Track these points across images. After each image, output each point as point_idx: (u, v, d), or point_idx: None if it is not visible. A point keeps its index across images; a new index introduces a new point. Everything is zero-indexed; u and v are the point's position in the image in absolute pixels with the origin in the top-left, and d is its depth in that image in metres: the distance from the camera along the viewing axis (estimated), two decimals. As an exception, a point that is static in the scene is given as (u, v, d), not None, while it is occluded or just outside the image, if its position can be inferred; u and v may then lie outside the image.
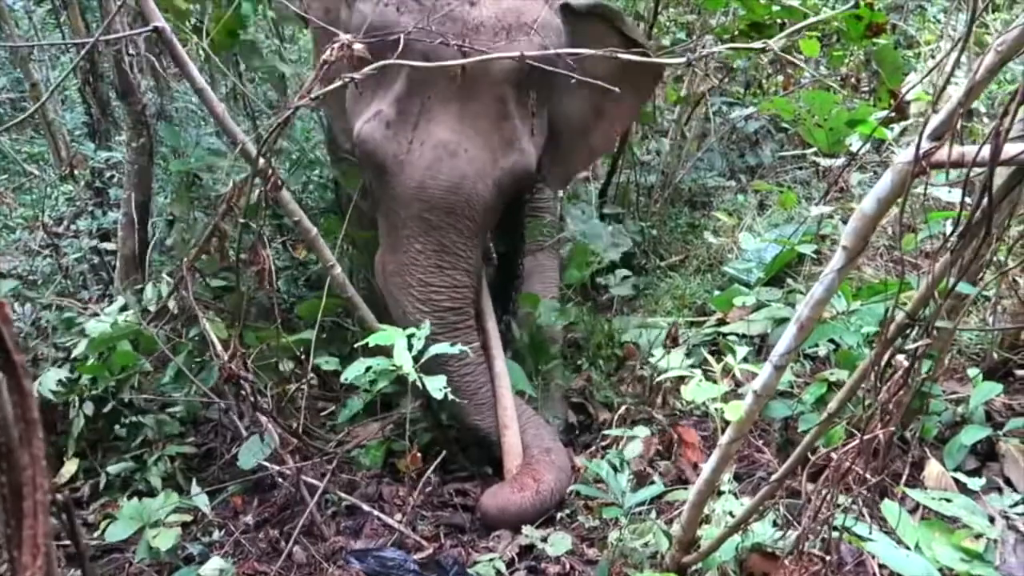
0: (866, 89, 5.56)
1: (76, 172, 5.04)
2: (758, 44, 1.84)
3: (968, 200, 0.98)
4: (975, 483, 1.93)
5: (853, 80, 5.25)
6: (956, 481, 2.10)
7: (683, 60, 1.96)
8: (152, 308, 2.63)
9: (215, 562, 2.08)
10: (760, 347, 3.04)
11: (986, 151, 0.88)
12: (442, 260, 2.50)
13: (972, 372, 2.49)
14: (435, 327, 2.47)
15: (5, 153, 5.56)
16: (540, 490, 2.47)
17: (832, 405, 1.27)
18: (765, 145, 5.65)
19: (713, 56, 4.48)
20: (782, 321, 2.90)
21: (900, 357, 1.13)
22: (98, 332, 2.51)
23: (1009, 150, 1.01)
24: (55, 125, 4.97)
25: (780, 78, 5.88)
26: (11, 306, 3.15)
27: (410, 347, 2.28)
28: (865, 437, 1.17)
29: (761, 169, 5.60)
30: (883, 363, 1.13)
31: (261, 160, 2.21)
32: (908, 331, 1.13)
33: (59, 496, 0.63)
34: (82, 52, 3.09)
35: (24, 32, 5.88)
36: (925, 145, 0.98)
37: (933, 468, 2.24)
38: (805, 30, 3.62)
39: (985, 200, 0.90)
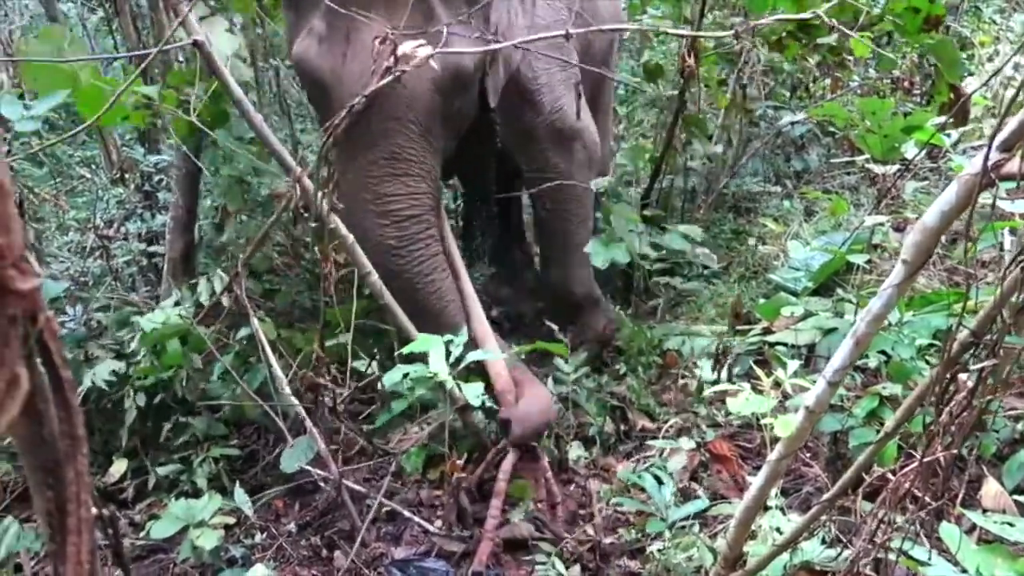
0: (918, 92, 5.42)
1: (126, 176, 5.16)
2: (807, 14, 1.77)
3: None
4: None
5: (906, 83, 5.11)
6: (1016, 502, 2.02)
7: (730, 33, 1.90)
8: (205, 302, 2.66)
9: (259, 569, 2.09)
10: (808, 357, 2.97)
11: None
12: (394, 167, 2.48)
13: (1033, 388, 2.40)
14: (396, 241, 2.48)
15: (59, 158, 5.70)
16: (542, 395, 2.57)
17: (889, 424, 1.22)
18: (812, 150, 5.53)
19: (754, 34, 4.37)
20: (830, 331, 2.82)
21: (963, 377, 1.08)
22: (150, 327, 2.56)
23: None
24: (107, 130, 5.09)
25: (828, 81, 5.77)
26: (63, 307, 3.24)
27: (448, 355, 2.27)
28: (925, 460, 1.12)
29: (807, 174, 5.49)
30: (945, 383, 1.08)
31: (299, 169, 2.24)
32: (971, 350, 1.08)
33: (104, 511, 0.62)
34: (141, 64, 3.11)
35: (78, 39, 6.05)
36: (994, 156, 0.93)
37: (991, 487, 2.15)
38: (857, 29, 3.54)
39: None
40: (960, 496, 2.21)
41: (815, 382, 1.39)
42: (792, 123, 5.13)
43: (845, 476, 1.36)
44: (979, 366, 1.05)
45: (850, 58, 3.94)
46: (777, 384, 1.73)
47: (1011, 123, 0.95)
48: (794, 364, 1.76)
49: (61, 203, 5.54)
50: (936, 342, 2.43)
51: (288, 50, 2.88)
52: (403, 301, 2.56)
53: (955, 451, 1.12)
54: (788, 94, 5.80)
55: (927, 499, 1.19)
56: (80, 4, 6.20)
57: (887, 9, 3.20)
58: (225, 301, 2.75)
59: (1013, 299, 0.99)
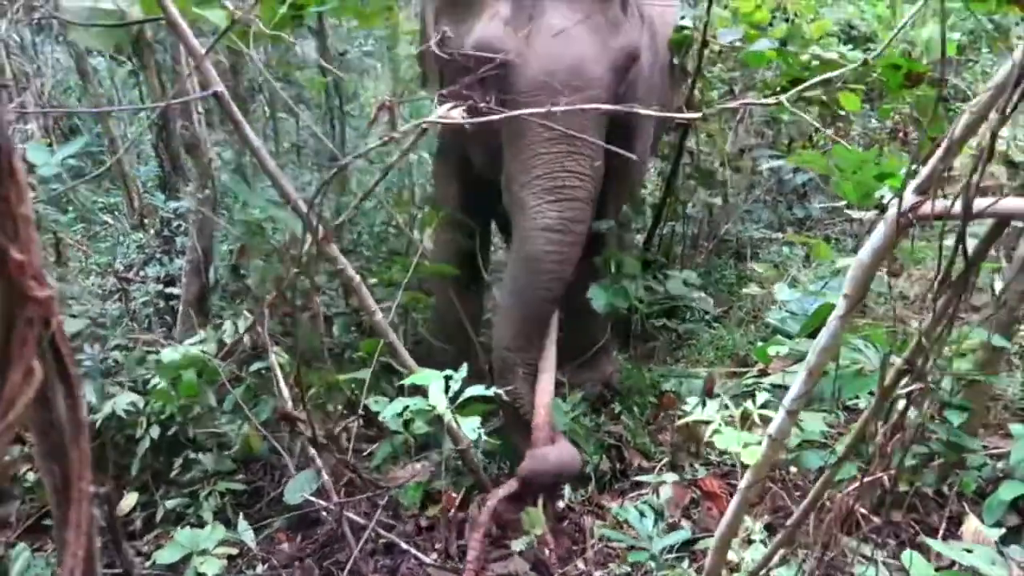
0: (916, 141, 5.54)
1: (146, 221, 5.36)
2: (770, 100, 1.90)
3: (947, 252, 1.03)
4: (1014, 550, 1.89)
5: (901, 133, 5.24)
6: (997, 544, 2.06)
7: (697, 116, 2.03)
8: (228, 340, 2.79)
9: None
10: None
11: (958, 206, 0.93)
12: (571, 144, 2.54)
13: (1015, 428, 2.45)
14: (564, 220, 2.54)
15: (83, 203, 5.92)
16: (567, 447, 2.58)
17: (839, 447, 1.30)
18: (813, 198, 5.65)
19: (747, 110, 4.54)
20: (824, 374, 2.90)
21: (902, 402, 1.16)
22: (169, 359, 2.68)
23: (1006, 204, 1.06)
24: (130, 177, 5.30)
25: (830, 131, 5.91)
26: (81, 345, 3.38)
27: (447, 389, 2.36)
28: (866, 479, 1.20)
29: (809, 221, 5.60)
30: (883, 408, 1.17)
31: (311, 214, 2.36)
32: (905, 377, 1.17)
33: (100, 489, 0.73)
34: (155, 112, 3.29)
35: (106, 90, 6.33)
36: (911, 200, 1.04)
37: (971, 524, 2.20)
38: (841, 81, 3.69)
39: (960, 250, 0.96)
40: (941, 531, 2.27)
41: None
42: (792, 171, 5.26)
43: (806, 501, 1.44)
44: (907, 389, 1.14)
45: (843, 112, 4.07)
46: (746, 416, 1.81)
47: (923, 171, 1.06)
48: (763, 396, 1.84)
49: (84, 248, 5.76)
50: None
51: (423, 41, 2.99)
52: (549, 283, 2.62)
53: (891, 470, 1.20)
54: (787, 143, 5.94)
55: (874, 519, 1.26)
56: (108, 58, 6.49)
57: (871, 67, 3.34)
58: (246, 340, 2.88)
59: (936, 331, 1.09)
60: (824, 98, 3.72)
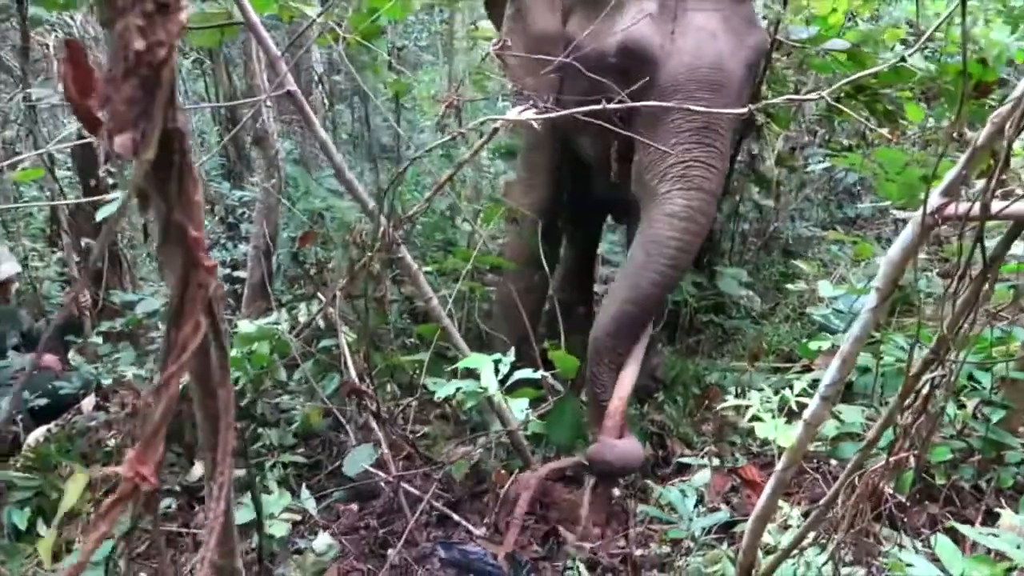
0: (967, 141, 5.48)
1: (214, 208, 5.61)
2: (812, 95, 1.98)
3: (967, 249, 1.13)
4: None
5: (957, 134, 5.19)
6: (1026, 530, 2.12)
7: (744, 111, 2.12)
8: (303, 319, 2.97)
9: (324, 538, 2.36)
10: (844, 394, 3.10)
11: (977, 208, 1.03)
12: (704, 136, 2.65)
13: (1055, 426, 2.49)
14: (685, 209, 2.63)
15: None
16: (634, 442, 2.68)
17: (871, 433, 1.40)
18: (864, 197, 5.65)
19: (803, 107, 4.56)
20: (865, 370, 2.96)
21: (927, 388, 1.26)
22: (245, 331, 2.87)
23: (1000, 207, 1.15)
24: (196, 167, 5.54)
25: (885, 130, 5.88)
26: (156, 323, 3.62)
27: (497, 371, 2.50)
28: (892, 458, 1.30)
29: (860, 221, 5.60)
30: (911, 394, 1.27)
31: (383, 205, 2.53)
32: (931, 365, 1.26)
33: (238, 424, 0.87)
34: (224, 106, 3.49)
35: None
36: (937, 201, 1.13)
37: (1007, 518, 2.25)
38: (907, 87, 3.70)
39: (979, 249, 1.05)
40: (978, 524, 2.32)
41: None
42: (844, 171, 5.27)
43: (837, 483, 1.54)
44: (930, 376, 1.24)
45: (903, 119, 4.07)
46: (784, 404, 1.91)
47: (949, 174, 1.15)
48: (800, 384, 1.94)
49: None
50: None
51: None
52: (665, 268, 2.69)
53: (916, 451, 1.29)
54: (844, 142, 5.93)
55: (894, 496, 1.35)
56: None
57: (939, 74, 3.37)
58: (319, 321, 3.07)
59: (959, 322, 1.18)
60: (890, 107, 3.73)
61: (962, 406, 2.51)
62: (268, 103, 4.53)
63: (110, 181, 4.24)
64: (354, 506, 2.95)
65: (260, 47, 2.63)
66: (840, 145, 5.98)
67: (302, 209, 4.32)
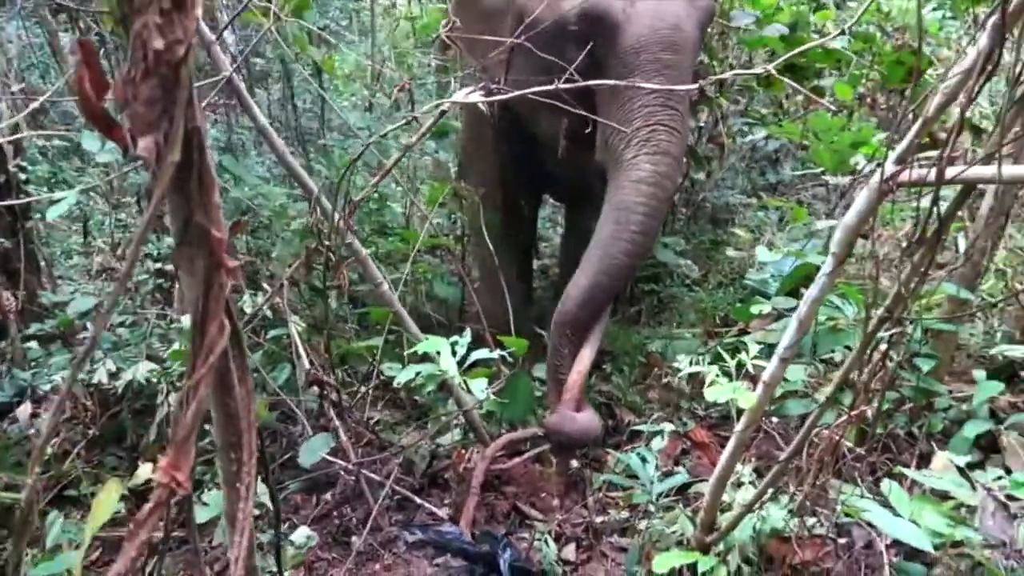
0: (884, 108, 5.74)
1: (139, 201, 5.38)
2: (759, 69, 2.05)
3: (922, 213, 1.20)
4: (979, 475, 2.11)
5: (870, 100, 5.43)
6: (959, 469, 2.28)
7: (695, 87, 2.18)
8: (248, 311, 2.90)
9: (302, 530, 2.34)
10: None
11: (933, 174, 1.10)
12: (668, 98, 2.67)
13: (977, 373, 2.67)
14: (652, 174, 2.65)
15: (70, 183, 5.92)
16: (592, 414, 2.73)
17: (828, 389, 1.48)
18: (785, 164, 5.85)
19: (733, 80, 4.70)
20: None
21: (882, 346, 1.34)
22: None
23: (973, 171, 1.23)
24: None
25: (800, 98, 6.09)
26: (85, 323, 3.48)
27: (454, 353, 2.52)
28: (853, 412, 1.38)
29: (782, 187, 5.80)
30: (867, 351, 1.35)
31: (321, 195, 2.49)
32: (885, 324, 1.34)
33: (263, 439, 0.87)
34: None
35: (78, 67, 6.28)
36: (891, 168, 1.20)
37: (940, 459, 2.41)
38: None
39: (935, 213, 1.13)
40: (913, 466, 2.48)
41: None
42: (764, 139, 5.45)
43: (796, 439, 1.62)
44: (888, 332, 1.32)
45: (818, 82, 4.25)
46: (741, 366, 1.99)
47: (903, 142, 1.22)
48: (756, 347, 2.03)
49: (63, 228, 5.78)
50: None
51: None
52: (636, 235, 2.70)
53: (876, 405, 1.38)
54: (762, 111, 6.12)
55: (861, 451, 1.44)
56: (75, 34, 6.43)
57: (874, 62, 3.52)
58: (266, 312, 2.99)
59: (912, 284, 1.26)
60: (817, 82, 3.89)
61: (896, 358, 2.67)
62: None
63: (22, 177, 4.03)
64: (312, 498, 2.93)
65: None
66: (759, 114, 6.17)
67: (232, 198, 4.20)
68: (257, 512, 2.74)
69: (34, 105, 2.34)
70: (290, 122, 5.66)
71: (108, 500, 0.73)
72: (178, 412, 0.65)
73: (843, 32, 2.29)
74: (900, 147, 1.21)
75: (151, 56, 0.59)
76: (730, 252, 4.23)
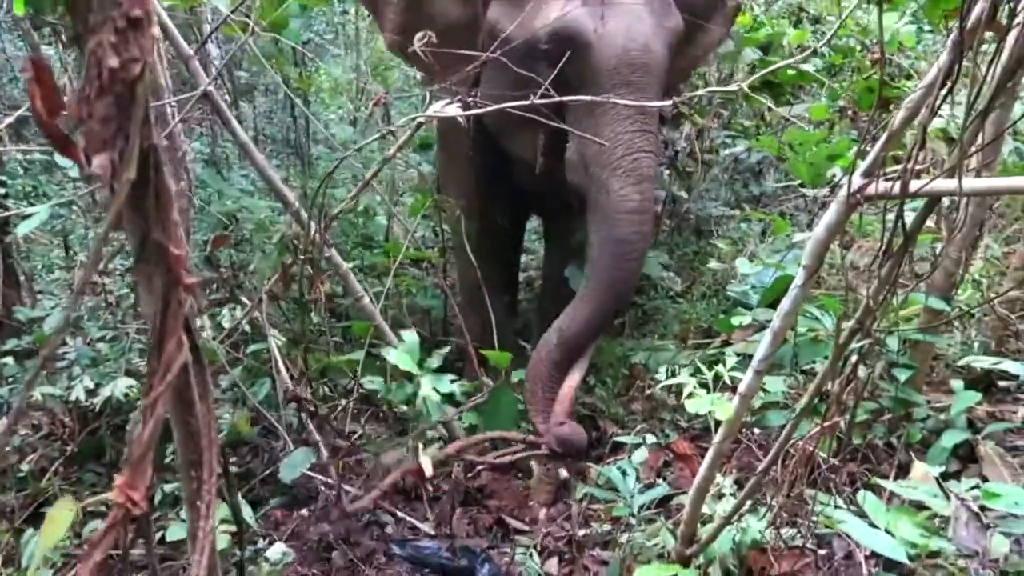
0: (864, 120, 5.80)
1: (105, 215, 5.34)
2: (732, 86, 2.08)
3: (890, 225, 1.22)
4: (954, 485, 2.13)
5: (850, 112, 5.49)
6: (937, 480, 2.30)
7: (668, 103, 2.21)
8: (227, 325, 2.89)
9: (278, 546, 2.32)
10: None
11: (897, 187, 1.11)
12: (644, 122, 2.71)
13: (955, 383, 2.69)
14: (641, 203, 2.71)
15: (50, 197, 5.88)
16: (579, 427, 2.80)
17: (803, 401, 1.49)
18: (768, 176, 5.89)
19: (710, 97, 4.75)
20: (784, 341, 3.12)
21: (854, 358, 1.35)
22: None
23: (936, 185, 1.25)
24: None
25: (783, 110, 6.14)
26: (63, 338, 3.44)
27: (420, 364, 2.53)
28: (826, 424, 1.39)
29: (765, 198, 5.84)
30: (839, 363, 1.36)
31: (300, 205, 2.49)
32: (856, 335, 1.35)
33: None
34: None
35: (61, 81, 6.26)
36: (858, 182, 1.22)
37: (918, 469, 2.43)
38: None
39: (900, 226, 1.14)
40: (892, 477, 2.50)
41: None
42: (746, 151, 5.49)
43: (773, 450, 1.63)
44: (857, 345, 1.33)
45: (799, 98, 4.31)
46: (718, 378, 2.00)
47: (869, 156, 1.23)
48: (733, 359, 2.03)
49: (44, 242, 5.73)
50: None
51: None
52: (636, 264, 2.81)
53: (848, 415, 1.39)
54: (745, 124, 6.17)
55: (835, 462, 1.45)
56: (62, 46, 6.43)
57: (846, 88, 3.58)
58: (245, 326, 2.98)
59: (880, 296, 1.27)
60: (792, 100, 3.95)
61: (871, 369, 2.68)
62: (173, 103, 4.37)
63: (1, 191, 4.00)
64: (292, 513, 2.91)
65: (168, 42, 2.53)
66: (741, 126, 6.22)
67: (215, 211, 4.19)
68: (235, 529, 2.72)
69: (10, 120, 2.32)
70: (288, 136, 5.67)
71: (61, 518, 0.72)
72: (134, 430, 0.64)
73: (815, 52, 2.33)
74: (867, 160, 1.22)
75: (106, 74, 0.59)
76: (713, 264, 4.25)
